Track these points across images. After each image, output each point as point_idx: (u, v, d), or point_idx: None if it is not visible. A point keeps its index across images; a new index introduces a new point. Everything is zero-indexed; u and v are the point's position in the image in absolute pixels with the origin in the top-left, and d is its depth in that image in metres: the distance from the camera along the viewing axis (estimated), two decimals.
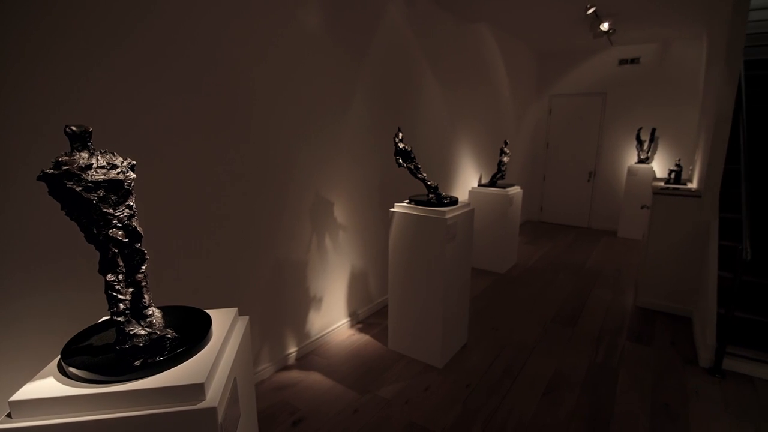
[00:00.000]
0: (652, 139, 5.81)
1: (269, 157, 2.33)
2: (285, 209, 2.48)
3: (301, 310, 2.71)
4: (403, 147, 2.53)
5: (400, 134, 2.53)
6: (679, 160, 4.54)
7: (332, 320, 3.00)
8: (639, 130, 5.85)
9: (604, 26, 4.62)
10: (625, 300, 3.78)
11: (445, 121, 4.16)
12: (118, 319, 0.95)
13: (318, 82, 2.59)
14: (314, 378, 2.51)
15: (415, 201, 2.65)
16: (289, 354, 2.64)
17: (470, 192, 4.57)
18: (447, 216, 2.47)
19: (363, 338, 3.01)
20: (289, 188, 2.48)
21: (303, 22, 2.42)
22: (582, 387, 2.47)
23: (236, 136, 2.13)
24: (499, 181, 4.57)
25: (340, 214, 2.93)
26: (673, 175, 4.01)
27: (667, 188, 3.54)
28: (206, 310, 1.17)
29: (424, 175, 2.66)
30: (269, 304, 2.47)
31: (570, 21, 4.67)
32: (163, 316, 1.07)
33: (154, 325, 1.02)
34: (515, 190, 4.54)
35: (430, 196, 2.68)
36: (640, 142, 5.82)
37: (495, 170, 4.54)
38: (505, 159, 4.41)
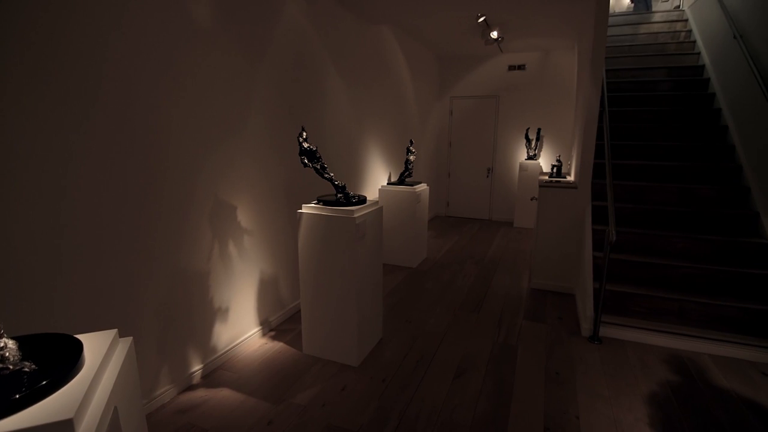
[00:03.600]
0: (538, 138, 6.48)
1: (157, 162, 2.12)
2: (180, 216, 2.28)
3: (205, 323, 2.53)
4: (308, 146, 2.48)
5: (304, 134, 2.48)
6: (559, 156, 5.14)
7: (241, 331, 2.84)
8: (527, 129, 6.49)
9: (494, 34, 5.03)
10: (521, 283, 4.17)
11: (352, 121, 4.18)
12: None
13: (215, 83, 2.42)
14: (223, 394, 2.35)
15: (324, 201, 2.62)
16: (193, 372, 2.44)
17: (380, 190, 4.66)
18: (355, 215, 2.48)
19: (276, 346, 2.90)
20: (184, 193, 2.29)
21: (194, 20, 2.24)
22: (487, 366, 2.67)
23: (120, 140, 1.90)
24: (407, 179, 4.73)
25: (244, 218, 2.78)
26: (554, 170, 4.51)
27: (550, 181, 3.98)
28: (78, 335, 1.02)
29: (332, 174, 2.64)
30: (166, 320, 2.25)
31: (464, 28, 5.00)
32: (20, 347, 0.91)
33: (7, 359, 0.87)
34: (422, 187, 4.74)
35: (339, 195, 2.67)
36: (528, 141, 6.46)
37: (403, 169, 4.69)
38: (412, 158, 4.58)
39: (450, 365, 2.68)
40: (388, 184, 4.74)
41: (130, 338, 1.10)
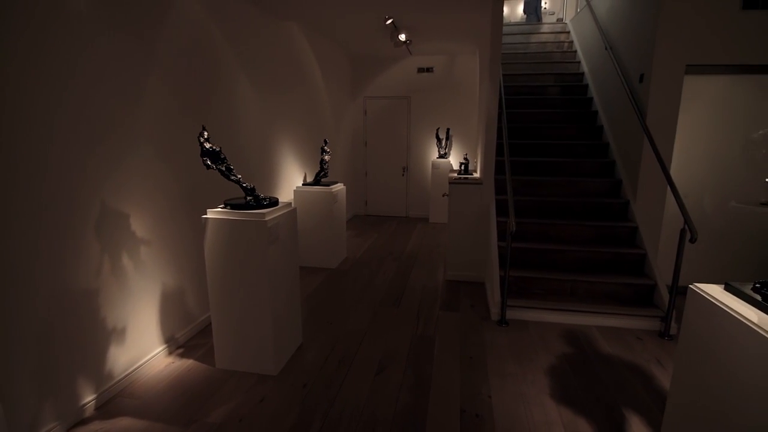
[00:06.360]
0: (447, 137, 6.82)
1: (19, 163, 1.83)
2: (57, 226, 1.99)
3: (97, 347, 2.24)
4: (211, 147, 2.32)
5: (206, 133, 2.31)
6: (466, 154, 5.47)
7: (142, 352, 2.58)
8: (437, 129, 6.81)
9: (402, 37, 5.18)
10: (437, 276, 4.36)
11: (262, 120, 4.01)
12: None
13: (97, 74, 2.15)
14: (123, 424, 2.11)
15: (231, 205, 2.48)
16: (85, 404, 2.15)
17: (295, 191, 4.55)
18: (267, 218, 2.39)
19: (185, 364, 2.68)
20: (62, 200, 2.00)
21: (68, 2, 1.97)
22: (407, 359, 2.74)
23: None
24: (323, 179, 4.68)
25: (139, 227, 2.52)
26: (462, 167, 4.79)
27: (459, 178, 4.22)
28: None
29: (239, 177, 2.51)
30: (46, 348, 1.95)
31: (374, 29, 5.07)
32: None
33: None
34: (339, 187, 4.72)
35: (248, 198, 2.54)
36: (439, 140, 6.78)
37: (318, 169, 4.63)
38: (327, 157, 4.54)
39: (371, 362, 2.71)
40: (303, 185, 4.65)
41: None
